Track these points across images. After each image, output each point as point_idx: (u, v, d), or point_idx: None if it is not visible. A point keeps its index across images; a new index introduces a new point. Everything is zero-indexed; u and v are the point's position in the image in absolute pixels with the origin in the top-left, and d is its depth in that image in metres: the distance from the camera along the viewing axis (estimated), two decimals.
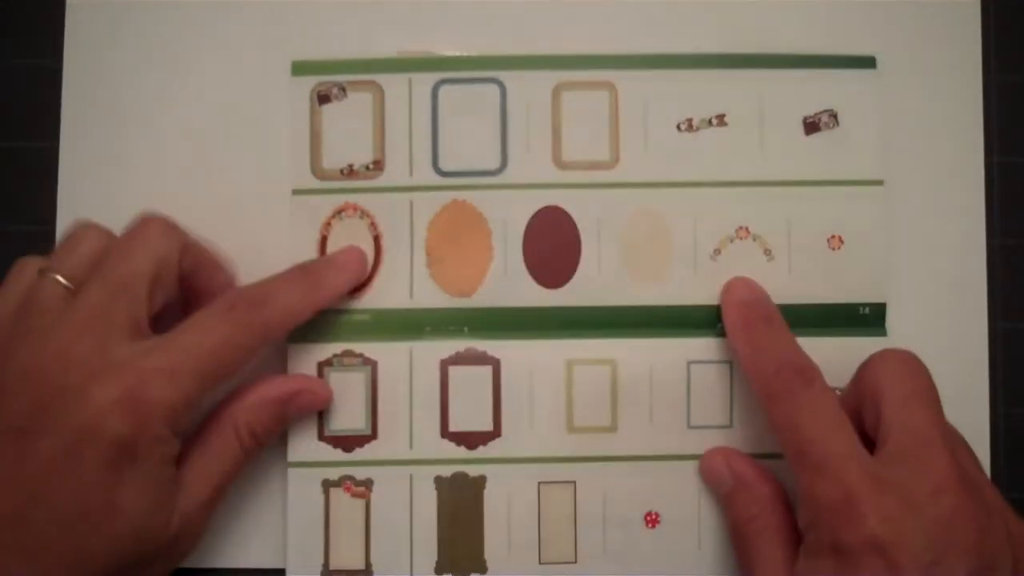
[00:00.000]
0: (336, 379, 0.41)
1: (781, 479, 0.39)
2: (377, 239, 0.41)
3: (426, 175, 0.41)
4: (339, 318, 0.41)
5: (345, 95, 0.42)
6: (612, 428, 0.41)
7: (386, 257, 0.41)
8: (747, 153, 0.41)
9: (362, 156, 0.42)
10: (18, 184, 0.42)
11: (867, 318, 0.41)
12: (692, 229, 0.41)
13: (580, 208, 0.41)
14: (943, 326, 0.42)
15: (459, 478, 0.41)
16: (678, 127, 0.41)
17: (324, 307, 0.40)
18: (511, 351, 0.41)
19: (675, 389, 0.41)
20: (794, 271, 0.41)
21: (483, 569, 0.40)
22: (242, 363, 0.36)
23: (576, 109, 0.41)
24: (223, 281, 0.39)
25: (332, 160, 0.42)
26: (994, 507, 0.33)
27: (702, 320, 0.41)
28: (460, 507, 0.41)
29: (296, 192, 0.41)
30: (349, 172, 0.41)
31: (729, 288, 0.41)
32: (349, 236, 0.41)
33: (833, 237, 0.41)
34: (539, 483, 0.41)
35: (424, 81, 0.42)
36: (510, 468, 0.41)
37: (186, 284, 0.38)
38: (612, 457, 0.41)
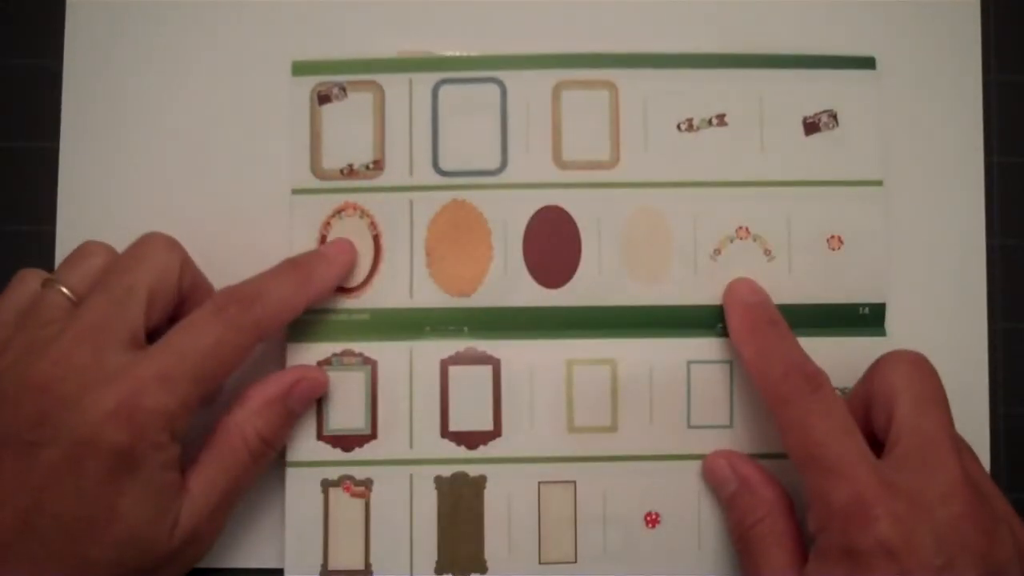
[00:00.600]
0: (336, 378, 0.41)
1: (784, 482, 0.39)
2: (377, 238, 0.41)
3: (426, 175, 0.41)
4: (339, 318, 0.41)
5: (345, 95, 0.42)
6: (612, 428, 0.41)
7: (386, 256, 0.41)
8: (747, 153, 0.41)
9: (362, 156, 0.42)
10: (18, 184, 0.42)
11: (867, 318, 0.41)
12: (692, 229, 0.41)
13: (580, 208, 0.41)
14: (943, 326, 0.42)
15: (459, 478, 0.41)
16: (678, 127, 0.41)
17: (316, 301, 0.39)
18: (511, 351, 0.41)
19: (675, 389, 0.41)
20: (794, 271, 0.41)
21: (483, 569, 0.40)
22: (237, 362, 0.36)
23: (576, 108, 0.41)
24: None
25: (332, 160, 0.41)
26: (1001, 513, 0.34)
27: (702, 320, 0.41)
28: (460, 507, 0.41)
29: (296, 191, 0.41)
30: (349, 172, 0.41)
31: (732, 289, 0.41)
32: (349, 235, 0.41)
33: (833, 237, 0.41)
34: (539, 483, 0.41)
35: (424, 81, 0.42)
36: (510, 468, 0.41)
37: (183, 302, 0.38)
38: (612, 457, 0.41)
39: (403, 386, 0.41)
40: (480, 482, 0.41)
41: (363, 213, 0.41)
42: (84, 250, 0.38)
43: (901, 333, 0.41)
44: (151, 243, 0.37)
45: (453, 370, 0.41)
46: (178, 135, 0.42)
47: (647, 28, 0.42)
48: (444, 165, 0.41)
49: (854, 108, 0.41)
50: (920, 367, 0.36)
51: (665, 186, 0.41)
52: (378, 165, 0.41)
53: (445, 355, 0.41)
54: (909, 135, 0.42)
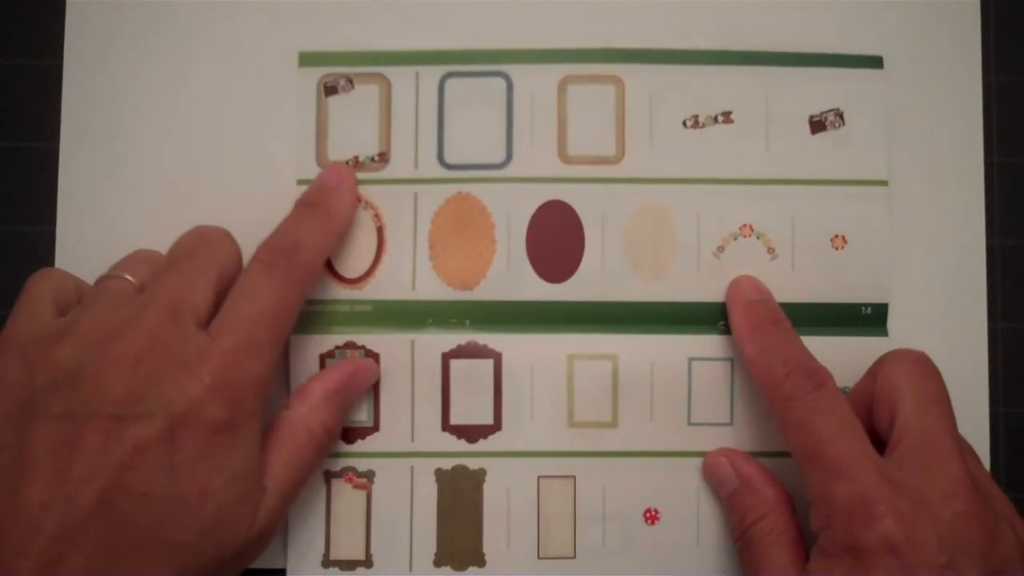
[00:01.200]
0: None
1: (784, 481, 0.39)
2: (381, 230, 0.41)
3: (431, 167, 0.41)
4: (341, 309, 0.41)
5: (352, 87, 0.41)
6: (612, 423, 0.41)
7: (389, 248, 0.41)
8: (753, 151, 0.41)
9: (368, 148, 0.41)
10: (18, 184, 0.42)
11: (869, 318, 0.41)
12: (696, 226, 0.41)
13: (584, 203, 0.41)
14: (943, 326, 0.42)
15: (459, 471, 0.41)
16: (684, 123, 0.41)
17: (342, 234, 0.40)
18: (512, 345, 0.41)
19: (676, 386, 0.41)
20: (797, 270, 0.41)
21: (481, 563, 0.40)
22: (297, 314, 0.37)
23: (582, 103, 0.41)
24: None
25: (337, 151, 0.41)
26: (1002, 512, 0.34)
27: (704, 317, 0.41)
28: (460, 500, 0.41)
29: (301, 182, 0.41)
30: (355, 163, 0.41)
31: (735, 287, 0.41)
32: (353, 227, 0.41)
33: (837, 236, 0.41)
34: (539, 477, 0.41)
35: (431, 74, 0.41)
36: (510, 462, 0.41)
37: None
38: (612, 452, 0.41)
39: (405, 379, 0.41)
40: (480, 475, 0.41)
41: (367, 205, 0.41)
42: (138, 254, 0.38)
43: (902, 333, 0.41)
44: (210, 231, 0.38)
45: (454, 363, 0.41)
46: (180, 131, 0.42)
47: (654, 24, 0.42)
48: (449, 158, 0.41)
49: (861, 107, 0.41)
50: (923, 366, 0.36)
51: (670, 182, 0.41)
52: (383, 157, 0.41)
53: (446, 348, 0.41)
54: (914, 135, 0.42)
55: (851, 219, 0.41)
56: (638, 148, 0.41)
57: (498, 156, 0.41)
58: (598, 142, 0.41)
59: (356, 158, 0.41)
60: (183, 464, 0.32)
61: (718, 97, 0.41)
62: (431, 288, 0.41)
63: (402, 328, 0.41)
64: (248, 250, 0.37)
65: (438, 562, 0.40)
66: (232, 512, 0.34)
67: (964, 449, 0.35)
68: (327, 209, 0.39)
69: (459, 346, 0.41)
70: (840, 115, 0.41)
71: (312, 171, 0.41)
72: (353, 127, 0.41)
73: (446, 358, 0.41)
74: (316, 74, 0.41)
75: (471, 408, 0.41)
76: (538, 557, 0.41)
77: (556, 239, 0.41)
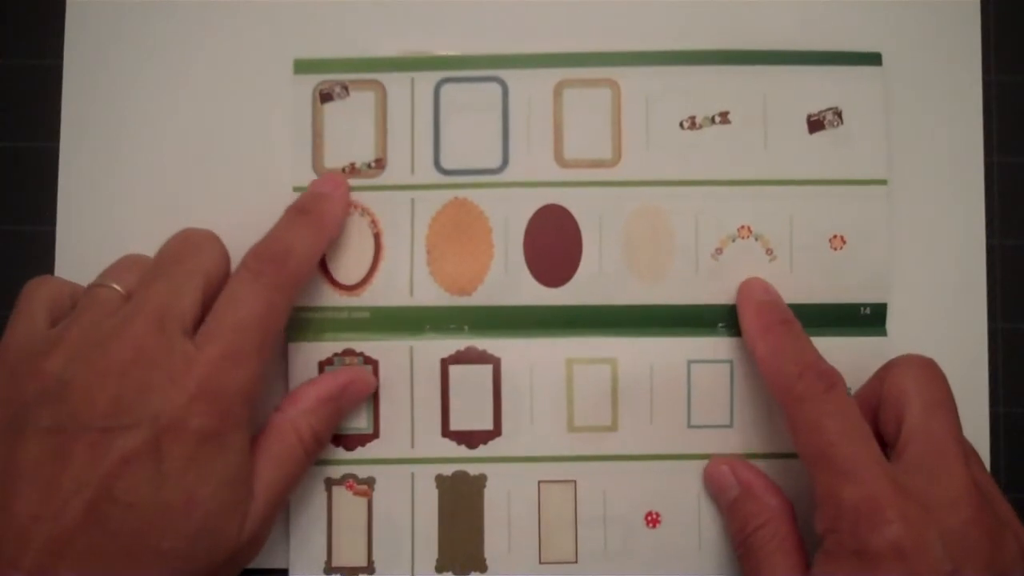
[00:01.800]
0: None
1: (785, 483, 0.40)
2: (378, 236, 0.41)
3: (428, 173, 0.41)
4: (339, 316, 0.41)
5: (347, 94, 0.41)
6: (612, 427, 0.41)
7: (386, 254, 0.41)
8: (751, 151, 0.41)
9: (364, 154, 0.41)
10: (18, 184, 0.42)
11: (868, 318, 0.41)
12: (694, 228, 0.41)
13: (581, 206, 0.41)
14: (943, 326, 0.42)
15: (460, 477, 0.41)
16: (681, 125, 0.41)
17: (332, 242, 0.40)
18: (511, 350, 0.41)
19: (676, 388, 0.41)
20: (796, 271, 0.41)
21: (483, 568, 0.40)
22: (285, 321, 0.37)
23: (578, 107, 0.41)
24: None
25: (333, 158, 0.41)
26: (1006, 519, 0.34)
27: (703, 319, 0.41)
28: (460, 506, 0.41)
29: (297, 189, 0.41)
30: (351, 170, 0.41)
31: (745, 288, 0.41)
32: (350, 233, 0.41)
33: (835, 237, 0.41)
34: (539, 482, 0.41)
35: (426, 80, 0.41)
36: (510, 467, 0.41)
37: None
38: (612, 456, 0.41)
39: (404, 385, 0.41)
40: (480, 481, 0.41)
41: (364, 211, 0.41)
42: (127, 259, 0.38)
43: (901, 333, 0.41)
44: (197, 234, 0.37)
45: (454, 369, 0.41)
46: (178, 134, 0.42)
47: (649, 26, 0.42)
48: (445, 163, 0.41)
49: (859, 106, 0.41)
50: (930, 372, 0.36)
51: (667, 184, 0.41)
52: (380, 164, 0.41)
53: (445, 354, 0.41)
54: (913, 134, 0.42)
55: (850, 219, 0.41)
56: (635, 151, 0.41)
57: (495, 161, 0.41)
58: (595, 145, 0.41)
59: (352, 164, 0.41)
60: (170, 473, 0.32)
61: (715, 98, 0.41)
62: (429, 294, 0.41)
63: (400, 334, 0.41)
64: (242, 255, 0.37)
65: (440, 568, 0.40)
66: (221, 519, 0.34)
67: (969, 455, 0.35)
68: (319, 216, 0.39)
69: (458, 352, 0.41)
70: (838, 114, 0.41)
71: (308, 177, 0.41)
72: (349, 134, 0.41)
73: (445, 364, 0.41)
74: (311, 81, 0.41)
75: (471, 414, 0.41)
76: (539, 562, 0.41)
77: (554, 243, 0.41)
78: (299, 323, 0.41)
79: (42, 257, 0.42)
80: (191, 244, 0.37)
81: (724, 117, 0.41)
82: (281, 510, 0.38)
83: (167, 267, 0.36)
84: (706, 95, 0.41)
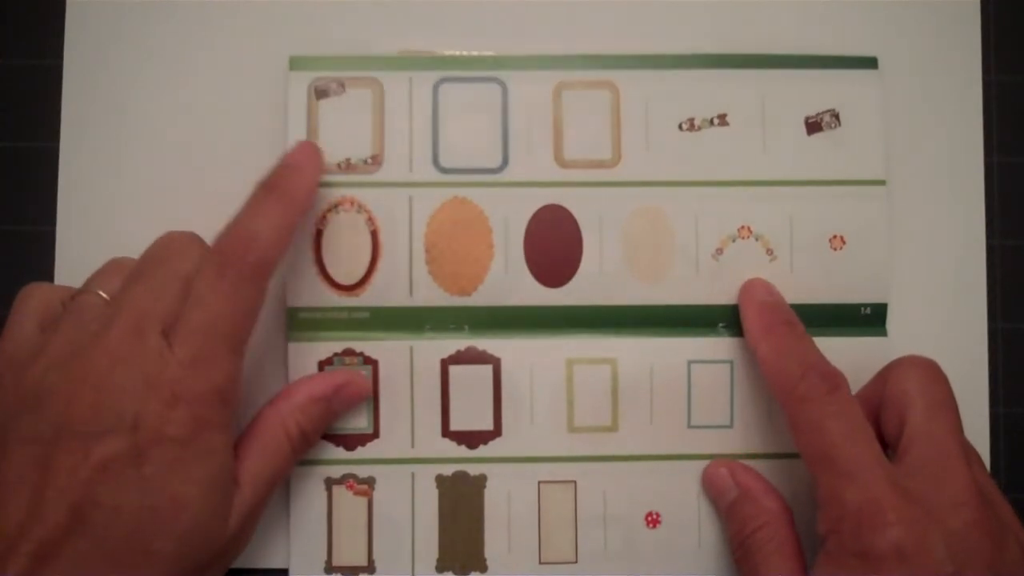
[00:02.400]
0: None
1: (785, 484, 0.40)
2: (375, 234, 0.41)
3: (426, 171, 0.41)
4: (339, 316, 0.41)
5: (344, 91, 0.41)
6: (612, 427, 0.41)
7: (384, 253, 0.41)
8: (749, 153, 0.41)
9: (360, 150, 0.41)
10: (18, 184, 0.42)
11: (868, 318, 0.41)
12: (694, 228, 0.41)
13: (581, 206, 0.41)
14: (943, 326, 0.42)
15: (460, 477, 0.41)
16: (680, 126, 0.41)
17: (303, 215, 0.38)
18: (511, 350, 0.41)
19: (676, 389, 0.41)
20: (796, 271, 0.41)
21: (483, 568, 0.40)
22: (259, 309, 0.36)
23: (577, 108, 0.41)
24: None
25: (329, 154, 0.41)
26: (1008, 522, 0.34)
27: (703, 319, 0.41)
28: (461, 506, 0.41)
29: None
30: (347, 166, 0.41)
31: (747, 289, 0.41)
32: (345, 230, 0.41)
33: (835, 237, 0.41)
34: (539, 482, 0.41)
35: (425, 79, 0.41)
36: (510, 467, 0.41)
37: None
38: (612, 457, 0.41)
39: (404, 385, 0.41)
40: (480, 481, 0.41)
41: (360, 208, 0.41)
42: (113, 263, 0.38)
43: (901, 333, 0.41)
44: (177, 237, 0.37)
45: (454, 369, 0.41)
46: (177, 134, 0.42)
47: (648, 30, 0.42)
48: (444, 162, 0.41)
49: (857, 108, 0.41)
50: (933, 373, 0.36)
51: (667, 185, 0.41)
52: (376, 160, 0.41)
53: (445, 354, 0.41)
54: (911, 135, 0.42)
55: (849, 219, 0.41)
56: (634, 151, 0.41)
57: (494, 160, 0.41)
58: (594, 146, 0.41)
59: (348, 160, 0.41)
60: (153, 477, 0.32)
61: (714, 100, 0.41)
62: (429, 294, 0.41)
63: (400, 334, 0.41)
64: None
65: (440, 567, 0.40)
66: (208, 518, 0.34)
67: (971, 457, 0.35)
68: (287, 191, 0.37)
69: (458, 352, 0.41)
70: (836, 116, 0.41)
71: None
72: (345, 130, 0.41)
73: (445, 364, 0.41)
74: (307, 78, 0.41)
75: (471, 414, 0.41)
76: (540, 562, 0.41)
77: (554, 243, 0.41)
78: (299, 323, 0.41)
79: (42, 257, 0.42)
80: (171, 247, 0.37)
81: (723, 119, 0.41)
82: (267, 503, 0.38)
83: (147, 271, 0.36)
84: (705, 97, 0.42)
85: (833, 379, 0.36)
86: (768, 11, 0.42)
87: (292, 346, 0.41)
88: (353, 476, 0.41)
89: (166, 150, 0.42)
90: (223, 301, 0.35)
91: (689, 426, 0.41)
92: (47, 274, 0.42)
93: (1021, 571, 0.33)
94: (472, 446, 0.41)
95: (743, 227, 0.41)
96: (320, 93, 0.41)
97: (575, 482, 0.41)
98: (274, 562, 0.41)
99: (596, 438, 0.41)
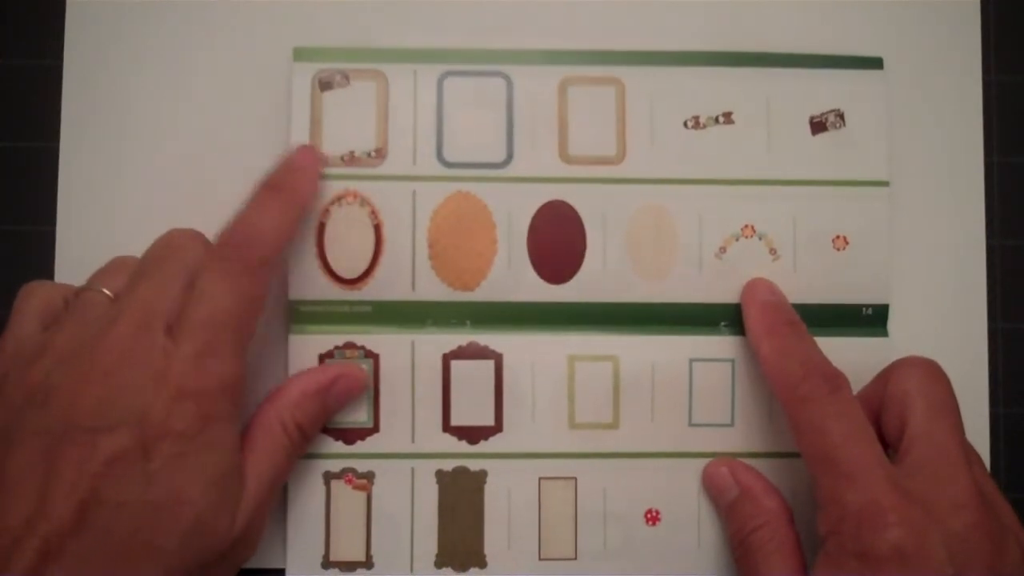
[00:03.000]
0: None
1: (785, 484, 0.40)
2: (378, 228, 0.41)
3: (430, 165, 0.41)
4: (341, 309, 0.41)
5: (348, 83, 0.41)
6: (613, 424, 0.41)
7: (387, 247, 0.41)
8: (754, 152, 0.41)
9: (364, 143, 0.41)
10: (18, 184, 0.42)
11: (869, 319, 0.41)
12: (697, 226, 0.41)
13: (585, 203, 0.41)
14: (943, 326, 0.42)
15: (460, 472, 0.41)
16: (685, 124, 0.41)
17: (306, 214, 0.39)
18: (513, 346, 0.41)
19: (677, 387, 0.41)
20: (799, 271, 0.41)
21: (483, 564, 0.40)
22: (262, 305, 0.36)
23: (582, 104, 0.41)
24: None
25: (332, 146, 0.41)
26: (1009, 525, 0.34)
27: (706, 318, 0.41)
28: (461, 501, 0.41)
29: None
30: (350, 159, 0.41)
31: (750, 288, 0.41)
32: (348, 223, 0.41)
33: (838, 237, 0.41)
34: (540, 479, 0.41)
35: (429, 72, 0.41)
36: (511, 463, 0.41)
37: None
38: (613, 454, 0.41)
39: (405, 380, 0.41)
40: (481, 477, 0.41)
41: (364, 201, 0.41)
42: (115, 261, 0.38)
43: (902, 333, 0.41)
44: (180, 235, 0.37)
45: (455, 364, 0.41)
46: (180, 130, 0.42)
47: (654, 26, 0.42)
48: (448, 156, 0.41)
49: (861, 108, 0.41)
50: (934, 374, 0.36)
51: (671, 183, 0.41)
52: (380, 153, 0.41)
53: (447, 349, 0.41)
54: (915, 136, 0.42)
55: (852, 220, 0.41)
56: (639, 148, 0.41)
57: (499, 155, 0.41)
58: (599, 142, 0.41)
59: (351, 153, 0.41)
60: (158, 472, 0.32)
61: (719, 98, 0.41)
62: (431, 289, 0.41)
63: (402, 328, 0.41)
64: None
65: (439, 563, 0.40)
66: (212, 515, 0.34)
67: (972, 459, 0.35)
68: (290, 191, 0.38)
69: (460, 347, 0.41)
70: (840, 116, 0.41)
71: None
72: (349, 122, 0.41)
73: (447, 359, 0.41)
74: (311, 69, 0.41)
75: (472, 409, 0.41)
76: (539, 558, 0.41)
77: (557, 239, 0.41)
78: (300, 316, 0.40)
79: (42, 257, 0.41)
80: (174, 244, 0.37)
81: (728, 117, 0.41)
82: (273, 502, 0.38)
83: (150, 268, 0.36)
84: (710, 95, 0.41)
85: (835, 380, 0.36)
86: (774, 10, 0.42)
87: (293, 339, 0.40)
88: (352, 470, 0.40)
89: (167, 149, 0.42)
90: (227, 296, 0.35)
91: (690, 424, 0.41)
92: (47, 274, 0.41)
93: (1021, 573, 0.33)
94: (473, 441, 0.41)
95: (746, 226, 0.41)
96: (324, 85, 0.41)
97: (575, 479, 0.41)
98: (271, 556, 0.40)
99: (597, 435, 0.41)
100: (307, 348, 0.40)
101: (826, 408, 0.35)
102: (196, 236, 0.37)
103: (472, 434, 0.41)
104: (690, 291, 0.41)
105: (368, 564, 0.40)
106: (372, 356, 0.41)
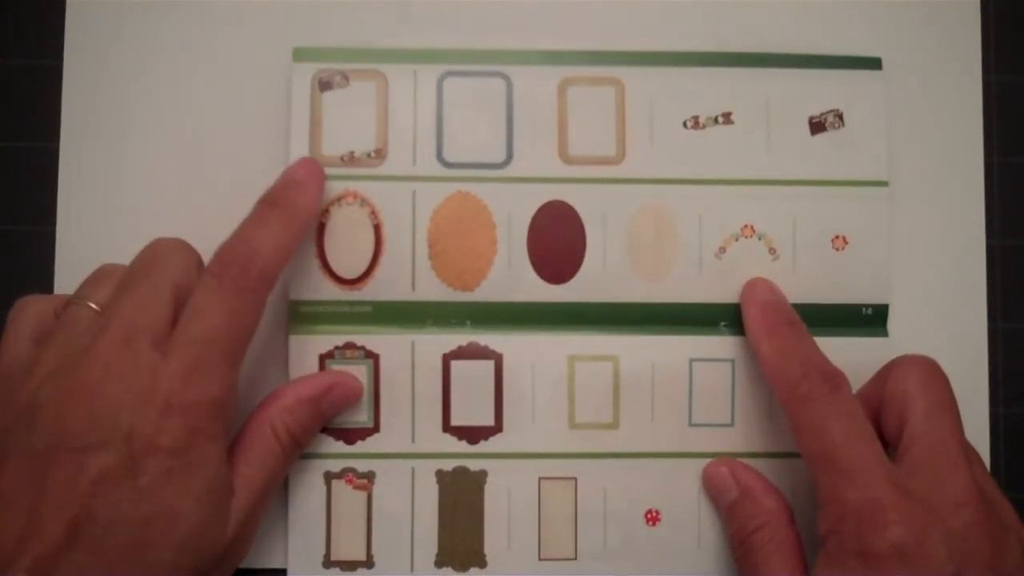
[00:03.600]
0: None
1: (785, 483, 0.40)
2: (378, 228, 0.41)
3: (430, 165, 0.41)
4: (340, 310, 0.41)
5: (348, 83, 0.41)
6: (613, 425, 0.41)
7: (387, 247, 0.41)
8: (753, 152, 0.41)
9: (363, 143, 0.41)
10: (18, 184, 0.42)
11: (869, 319, 0.41)
12: (697, 227, 0.41)
13: (585, 203, 0.41)
14: (943, 326, 0.42)
15: (460, 472, 0.41)
16: (684, 124, 0.41)
17: (307, 230, 0.39)
18: (513, 346, 0.41)
19: (677, 387, 0.41)
20: (798, 271, 0.41)
21: (483, 564, 0.40)
22: (256, 323, 0.36)
23: (582, 104, 0.41)
24: None
25: (332, 146, 0.41)
26: (1009, 522, 0.34)
27: (706, 318, 0.41)
28: (461, 501, 0.41)
29: None
30: (350, 159, 0.41)
31: (749, 288, 0.41)
32: (348, 224, 0.41)
33: (838, 237, 0.41)
34: (540, 479, 0.41)
35: (429, 72, 0.41)
36: (511, 463, 0.41)
37: None
38: (613, 454, 0.41)
39: (405, 380, 0.41)
40: (481, 477, 0.41)
41: (364, 202, 0.41)
42: (103, 270, 0.37)
43: (902, 333, 0.41)
44: (165, 245, 0.37)
45: (455, 364, 0.41)
46: (178, 133, 0.42)
47: (654, 26, 0.42)
48: (448, 156, 0.41)
49: (860, 108, 0.41)
50: (933, 373, 0.36)
51: (671, 183, 0.41)
52: (380, 154, 0.41)
53: (447, 349, 0.41)
54: (914, 136, 0.42)
55: (852, 220, 0.41)
56: (639, 149, 0.41)
57: (498, 155, 0.41)
58: (599, 142, 0.41)
59: (351, 153, 0.41)
60: (148, 488, 0.32)
61: (718, 98, 0.41)
62: (431, 289, 0.41)
63: (402, 328, 0.41)
64: None
65: (439, 563, 0.40)
66: (204, 527, 0.34)
67: (972, 457, 0.35)
68: (290, 207, 0.38)
69: (460, 347, 0.41)
70: (840, 116, 0.41)
71: None
72: (348, 122, 0.41)
73: (447, 359, 0.41)
74: (311, 69, 0.41)
75: (472, 409, 0.41)
76: (539, 558, 0.41)
77: (557, 240, 0.41)
78: (300, 316, 0.40)
79: (42, 257, 0.41)
80: (160, 255, 0.36)
81: (727, 118, 0.41)
82: (265, 505, 0.38)
83: (134, 282, 0.35)
84: (709, 96, 0.42)
85: (834, 379, 0.36)
86: (774, 11, 0.42)
87: (293, 339, 0.40)
88: (352, 470, 0.40)
89: (167, 149, 0.42)
90: (221, 313, 0.35)
91: (690, 424, 0.41)
92: (47, 274, 0.41)
93: (1022, 571, 0.33)
94: (473, 441, 0.41)
95: (746, 226, 0.41)
96: (324, 85, 0.41)
97: (575, 479, 0.41)
98: (272, 556, 0.40)
99: (597, 435, 0.41)
100: (307, 348, 0.40)
101: (826, 407, 0.35)
102: (181, 246, 0.37)
103: (472, 434, 0.41)
104: (690, 291, 0.41)
105: (369, 563, 0.40)
106: (372, 356, 0.41)
